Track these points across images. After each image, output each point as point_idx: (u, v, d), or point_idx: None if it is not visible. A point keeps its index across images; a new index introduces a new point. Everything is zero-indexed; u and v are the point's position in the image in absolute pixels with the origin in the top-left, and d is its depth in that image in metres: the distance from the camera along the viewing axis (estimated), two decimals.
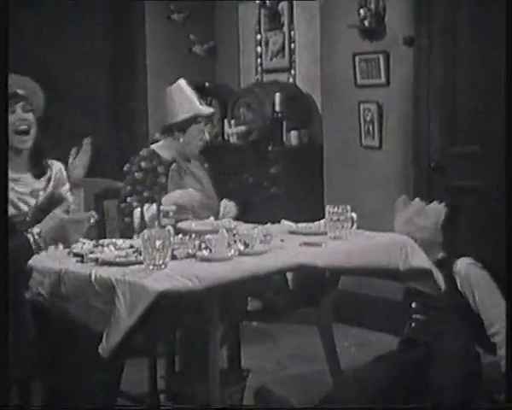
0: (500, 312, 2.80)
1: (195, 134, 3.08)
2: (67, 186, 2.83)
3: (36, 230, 2.34)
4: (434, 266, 2.74)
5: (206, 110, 3.18)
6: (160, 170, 3.02)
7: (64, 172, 2.87)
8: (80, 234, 2.38)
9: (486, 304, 2.86)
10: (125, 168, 3.05)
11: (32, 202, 2.73)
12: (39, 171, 2.71)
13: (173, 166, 3.04)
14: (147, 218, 2.84)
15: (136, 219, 2.86)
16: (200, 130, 3.09)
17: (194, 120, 3.08)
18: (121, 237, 2.76)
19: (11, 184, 2.70)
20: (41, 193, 2.68)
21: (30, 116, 2.70)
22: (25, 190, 2.66)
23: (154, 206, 2.86)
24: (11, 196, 2.68)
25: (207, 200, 3.06)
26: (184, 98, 3.11)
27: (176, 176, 3.04)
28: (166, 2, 4.81)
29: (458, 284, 2.86)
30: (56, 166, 2.82)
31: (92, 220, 2.38)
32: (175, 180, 3.03)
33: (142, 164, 3.01)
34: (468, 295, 2.85)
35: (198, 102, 3.15)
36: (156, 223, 2.75)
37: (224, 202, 3.10)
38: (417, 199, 3.14)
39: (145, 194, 2.99)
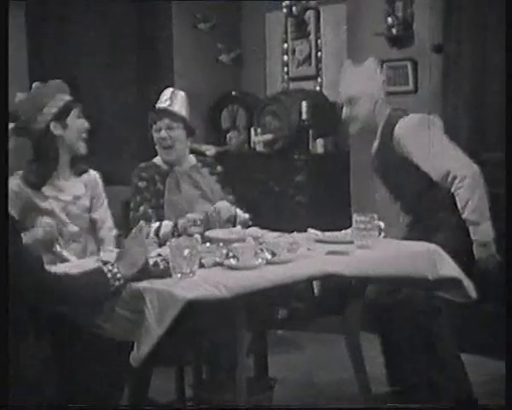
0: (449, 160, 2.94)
1: (157, 140, 3.09)
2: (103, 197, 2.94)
3: (106, 257, 2.34)
4: (464, 275, 2.72)
5: (152, 110, 3.12)
6: (157, 178, 3.08)
7: (99, 180, 2.98)
8: (144, 249, 2.26)
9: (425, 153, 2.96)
10: (131, 183, 3.12)
11: (74, 209, 2.81)
12: (78, 174, 2.91)
13: (170, 174, 3.10)
14: (161, 234, 2.89)
15: (151, 234, 2.89)
16: (157, 129, 3.07)
17: (152, 124, 3.09)
18: None
19: (55, 193, 2.78)
20: (81, 200, 2.77)
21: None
22: (68, 198, 2.75)
23: (170, 224, 2.91)
24: (54, 205, 2.75)
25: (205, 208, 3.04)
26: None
27: (171, 183, 3.08)
28: (193, 11, 4.85)
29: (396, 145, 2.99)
30: (92, 174, 3.00)
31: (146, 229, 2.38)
32: (171, 187, 3.07)
33: (142, 174, 3.09)
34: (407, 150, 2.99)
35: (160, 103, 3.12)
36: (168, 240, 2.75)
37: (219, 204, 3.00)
38: (371, 59, 3.22)
39: (153, 200, 3.04)
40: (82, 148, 2.90)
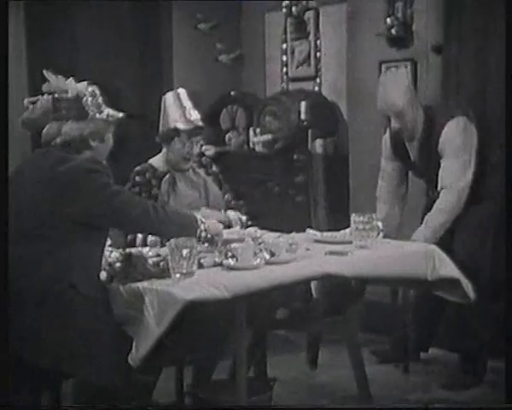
0: None
1: (178, 147, 3.06)
2: None
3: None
4: (463, 276, 2.72)
5: (186, 125, 3.05)
6: (153, 183, 3.06)
7: None
8: None
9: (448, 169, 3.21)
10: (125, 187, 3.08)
11: None
12: None
13: (166, 177, 3.07)
14: None
15: (140, 235, 2.84)
16: (182, 143, 3.05)
17: (176, 133, 3.05)
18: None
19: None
20: None
21: None
22: None
23: None
24: None
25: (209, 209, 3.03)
26: (171, 109, 3.08)
27: (167, 187, 3.06)
28: (193, 11, 4.85)
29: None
30: None
31: None
32: (166, 191, 3.05)
33: (137, 178, 3.07)
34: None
35: (184, 116, 3.06)
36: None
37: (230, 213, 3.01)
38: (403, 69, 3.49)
39: None
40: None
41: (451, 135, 3.22)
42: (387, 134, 3.51)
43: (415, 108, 3.27)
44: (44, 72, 2.37)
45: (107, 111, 2.39)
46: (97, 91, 2.39)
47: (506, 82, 2.31)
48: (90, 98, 2.35)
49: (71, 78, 2.38)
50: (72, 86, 2.35)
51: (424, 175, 3.43)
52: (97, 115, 2.36)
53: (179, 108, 3.07)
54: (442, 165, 3.22)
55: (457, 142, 3.22)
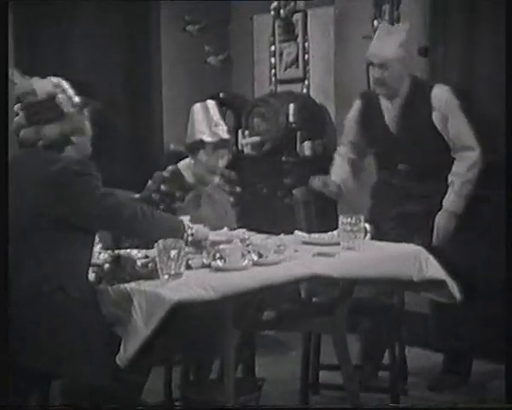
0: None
1: (203, 159, 3.01)
2: None
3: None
4: (449, 277, 2.75)
5: (211, 137, 3.00)
6: (177, 195, 3.02)
7: None
8: None
9: (461, 129, 3.21)
10: (148, 184, 3.04)
11: None
12: None
13: (191, 195, 3.02)
14: None
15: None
16: (208, 155, 3.01)
17: (201, 145, 3.01)
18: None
19: None
20: None
21: None
22: None
23: None
24: None
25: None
26: (198, 121, 3.03)
27: (190, 204, 3.01)
28: (182, 13, 4.86)
29: (433, 110, 3.17)
30: None
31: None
32: (191, 204, 3.01)
33: (162, 187, 3.01)
34: (441, 120, 3.19)
35: (210, 128, 3.01)
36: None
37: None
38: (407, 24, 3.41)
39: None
40: None
41: (447, 95, 3.21)
42: (358, 100, 3.43)
43: (402, 67, 3.18)
44: (10, 72, 2.24)
45: (78, 99, 2.33)
46: (65, 84, 2.33)
47: (506, 82, 2.33)
48: (60, 95, 2.30)
49: (35, 77, 2.31)
50: (39, 85, 2.28)
51: (400, 142, 3.26)
52: (71, 109, 2.31)
53: (206, 120, 3.03)
54: (454, 124, 3.17)
55: (456, 101, 3.20)
